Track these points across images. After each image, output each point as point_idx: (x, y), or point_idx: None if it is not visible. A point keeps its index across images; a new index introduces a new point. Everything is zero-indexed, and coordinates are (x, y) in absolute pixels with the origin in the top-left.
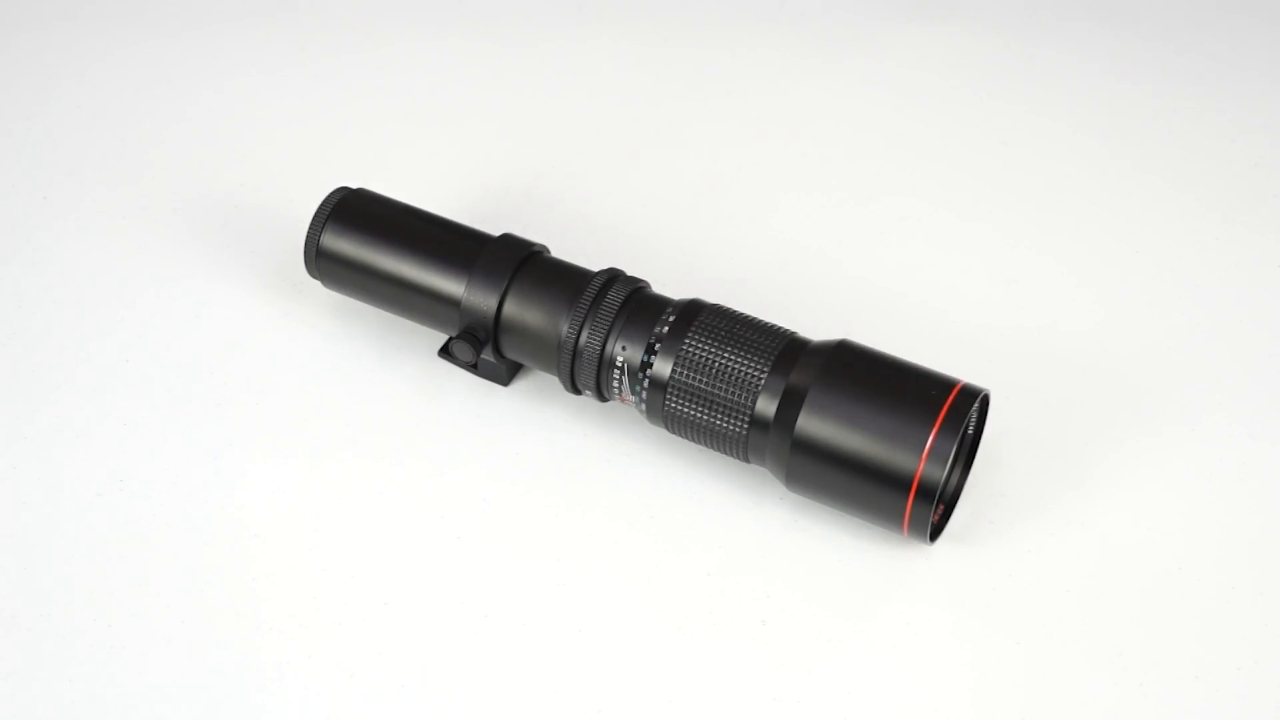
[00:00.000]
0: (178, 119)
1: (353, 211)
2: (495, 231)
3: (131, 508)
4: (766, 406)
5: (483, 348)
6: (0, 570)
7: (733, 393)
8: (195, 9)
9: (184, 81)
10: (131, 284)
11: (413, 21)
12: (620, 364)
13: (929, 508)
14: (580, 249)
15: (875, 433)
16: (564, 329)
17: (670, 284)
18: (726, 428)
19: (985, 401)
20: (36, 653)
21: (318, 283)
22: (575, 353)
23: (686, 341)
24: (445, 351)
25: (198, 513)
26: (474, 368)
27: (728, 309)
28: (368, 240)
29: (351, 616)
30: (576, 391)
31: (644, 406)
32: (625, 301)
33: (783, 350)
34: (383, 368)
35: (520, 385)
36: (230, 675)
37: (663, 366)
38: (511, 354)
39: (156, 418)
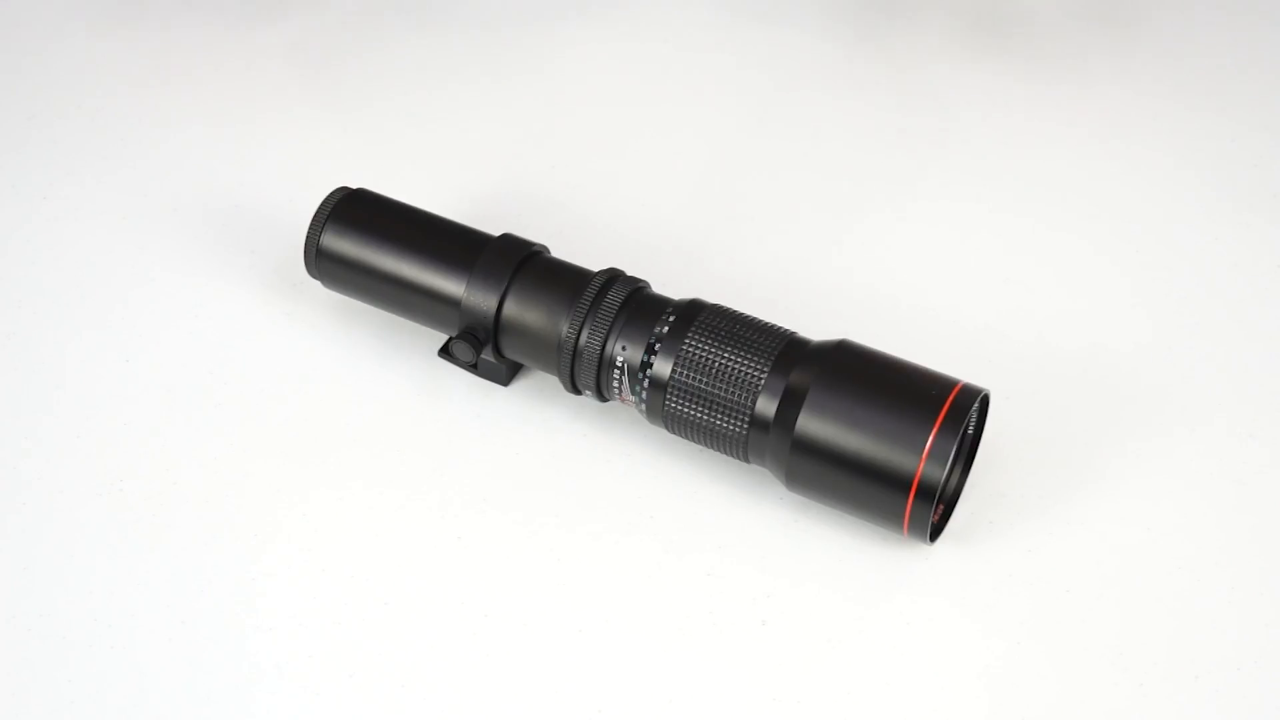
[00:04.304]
0: (178, 119)
1: (353, 211)
2: (495, 231)
3: (131, 508)
4: (766, 406)
5: (483, 348)
6: (0, 570)
7: (733, 393)
8: (195, 9)
9: (184, 81)
10: (131, 284)
11: (412, 22)
12: (620, 364)
13: (929, 508)
14: (580, 249)
15: (875, 433)
16: (564, 329)
17: (670, 284)
18: (726, 428)
19: (985, 401)
20: (36, 652)
21: (318, 283)
22: (575, 353)
23: (686, 341)
24: (445, 351)
25: (197, 513)
26: (474, 368)
27: (728, 309)
28: (368, 240)
29: (351, 616)
30: (576, 391)
31: (644, 406)
32: (625, 302)
33: (783, 350)
34: (383, 368)
35: (520, 385)
36: (230, 675)
37: (663, 366)
38: (511, 354)
39: (156, 418)
